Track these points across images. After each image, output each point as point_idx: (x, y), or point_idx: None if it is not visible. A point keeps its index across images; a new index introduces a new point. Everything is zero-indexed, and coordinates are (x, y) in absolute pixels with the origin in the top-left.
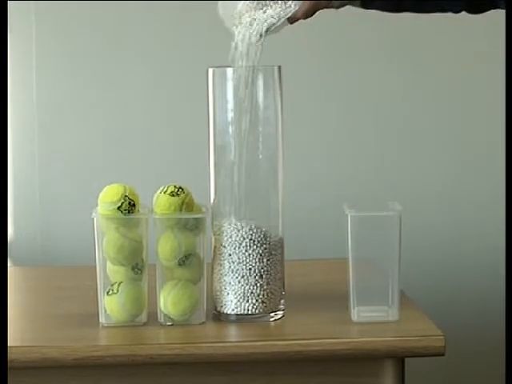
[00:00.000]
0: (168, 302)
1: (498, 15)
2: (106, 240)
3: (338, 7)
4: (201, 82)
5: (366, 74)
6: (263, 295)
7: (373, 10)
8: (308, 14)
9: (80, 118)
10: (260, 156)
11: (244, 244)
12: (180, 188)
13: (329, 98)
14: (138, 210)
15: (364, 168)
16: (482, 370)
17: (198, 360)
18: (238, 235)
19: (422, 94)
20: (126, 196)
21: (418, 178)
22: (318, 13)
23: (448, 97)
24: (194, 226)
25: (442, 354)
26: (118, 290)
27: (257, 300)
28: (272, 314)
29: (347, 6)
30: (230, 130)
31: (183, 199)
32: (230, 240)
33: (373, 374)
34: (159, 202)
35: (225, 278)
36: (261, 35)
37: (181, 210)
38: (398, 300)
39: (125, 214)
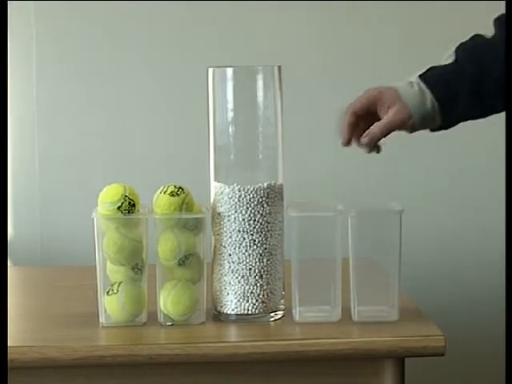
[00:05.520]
0: (168, 302)
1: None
2: (105, 240)
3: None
4: (201, 82)
5: (365, 74)
6: (263, 295)
7: None
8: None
9: (80, 118)
10: (260, 156)
11: (244, 244)
12: (180, 188)
13: (329, 98)
14: (138, 210)
15: (364, 168)
16: (481, 370)
17: (197, 360)
18: (238, 235)
19: None
20: (125, 196)
21: (418, 178)
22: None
23: None
24: (193, 226)
25: (442, 354)
26: (117, 290)
27: (257, 300)
28: (272, 314)
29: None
30: (230, 130)
31: (183, 199)
32: (229, 240)
33: (373, 374)
34: (159, 202)
35: (225, 278)
36: None
37: (181, 210)
38: (397, 300)
39: (125, 214)
